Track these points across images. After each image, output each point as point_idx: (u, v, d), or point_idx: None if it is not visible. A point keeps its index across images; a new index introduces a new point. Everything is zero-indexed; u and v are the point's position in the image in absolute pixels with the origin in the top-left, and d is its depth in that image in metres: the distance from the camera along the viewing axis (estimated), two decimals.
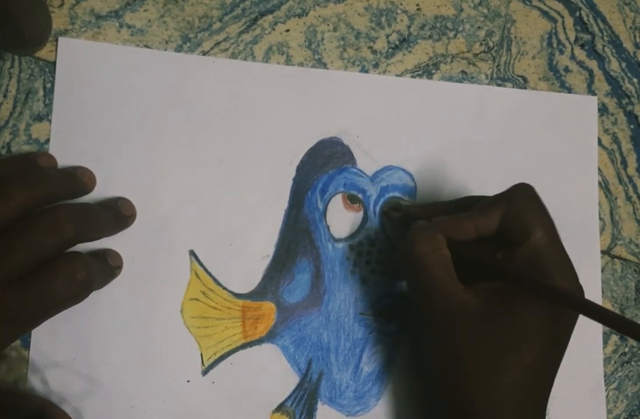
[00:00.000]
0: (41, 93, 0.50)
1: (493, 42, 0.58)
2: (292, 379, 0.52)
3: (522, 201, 0.47)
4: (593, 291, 0.57)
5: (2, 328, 0.43)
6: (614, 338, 0.58)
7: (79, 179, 0.48)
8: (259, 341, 0.51)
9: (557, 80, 0.59)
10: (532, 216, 0.47)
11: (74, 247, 0.45)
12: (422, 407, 0.53)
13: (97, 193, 0.49)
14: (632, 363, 0.58)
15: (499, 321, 0.45)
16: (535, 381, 0.45)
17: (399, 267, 0.49)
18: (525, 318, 0.45)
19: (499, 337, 0.44)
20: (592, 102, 0.60)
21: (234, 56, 0.54)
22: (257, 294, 0.52)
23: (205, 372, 0.50)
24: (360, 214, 0.54)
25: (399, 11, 0.57)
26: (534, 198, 0.48)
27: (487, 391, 0.44)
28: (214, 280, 0.51)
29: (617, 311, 0.58)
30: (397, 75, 0.56)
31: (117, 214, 0.49)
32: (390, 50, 0.57)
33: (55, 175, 0.47)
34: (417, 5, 0.57)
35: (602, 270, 0.58)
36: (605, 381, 0.57)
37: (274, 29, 0.55)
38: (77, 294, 0.45)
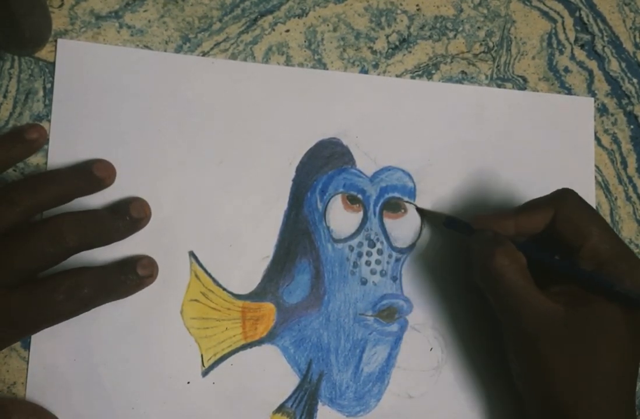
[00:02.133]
0: (41, 93, 0.50)
1: (493, 43, 0.58)
2: (292, 380, 0.52)
3: (571, 205, 0.48)
4: None
5: (0, 329, 0.43)
6: None
7: (94, 175, 0.48)
8: (259, 342, 0.51)
9: (557, 80, 0.59)
10: (585, 218, 0.47)
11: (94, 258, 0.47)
12: None
13: (98, 194, 0.49)
14: None
15: (582, 324, 0.46)
16: (624, 378, 0.46)
17: (478, 280, 0.49)
18: (606, 318, 0.46)
19: (586, 341, 0.45)
20: (589, 103, 0.60)
21: (233, 56, 0.54)
22: (257, 295, 0.52)
23: (205, 373, 0.50)
24: (360, 215, 0.54)
25: (398, 11, 0.57)
26: (581, 202, 0.49)
27: (582, 393, 0.45)
28: (214, 281, 0.51)
29: None
30: (397, 76, 0.56)
31: (129, 217, 0.48)
32: (390, 50, 0.57)
33: (66, 175, 0.47)
34: (417, 5, 0.57)
35: None
36: None
37: (273, 30, 0.55)
38: (77, 309, 0.46)
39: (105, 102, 0.51)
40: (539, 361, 0.46)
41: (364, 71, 0.56)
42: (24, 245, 0.44)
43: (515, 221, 0.48)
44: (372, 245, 0.54)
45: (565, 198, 0.49)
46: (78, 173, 0.48)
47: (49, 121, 0.50)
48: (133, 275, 0.48)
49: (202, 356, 0.50)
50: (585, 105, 0.60)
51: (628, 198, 0.59)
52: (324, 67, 0.55)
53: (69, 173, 0.48)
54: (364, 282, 0.53)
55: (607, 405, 0.45)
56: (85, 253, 0.47)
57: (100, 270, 0.47)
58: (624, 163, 0.60)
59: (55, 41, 0.51)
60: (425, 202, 0.55)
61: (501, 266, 0.46)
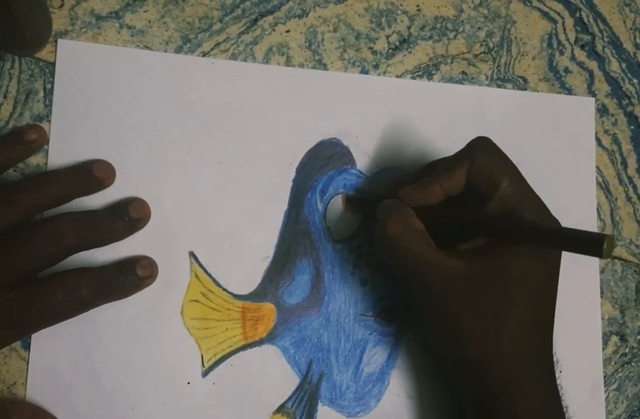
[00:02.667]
0: (41, 94, 0.50)
1: (493, 43, 0.58)
2: (292, 381, 0.52)
3: (484, 155, 0.47)
4: (592, 292, 0.57)
5: None
6: (614, 338, 0.58)
7: (93, 175, 0.48)
8: (259, 342, 0.51)
9: (557, 81, 0.59)
10: (496, 167, 0.47)
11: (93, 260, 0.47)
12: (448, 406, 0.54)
13: (98, 194, 0.49)
14: (632, 363, 0.58)
15: (488, 277, 0.45)
16: (537, 327, 0.46)
17: (378, 255, 0.49)
18: (512, 268, 0.45)
19: (491, 293, 0.45)
20: (590, 103, 0.60)
21: (234, 57, 0.54)
22: (257, 295, 0.52)
23: (205, 373, 0.50)
24: (360, 215, 0.54)
25: (399, 12, 0.57)
26: (494, 150, 0.48)
27: (494, 349, 0.45)
28: (214, 281, 0.51)
29: (618, 313, 0.58)
30: (397, 76, 0.56)
31: (128, 218, 0.48)
32: (390, 50, 0.57)
33: (65, 175, 0.47)
34: (417, 6, 0.57)
35: (602, 271, 0.58)
36: (605, 382, 0.57)
37: (274, 30, 0.55)
38: (76, 310, 0.46)
39: (106, 102, 0.51)
40: (448, 320, 0.46)
41: (364, 71, 0.56)
42: (24, 245, 0.44)
43: (439, 184, 0.47)
44: (372, 245, 0.54)
45: (478, 147, 0.48)
46: (78, 174, 0.48)
47: (49, 121, 0.50)
48: (133, 276, 0.48)
49: (202, 356, 0.50)
50: (586, 106, 0.60)
51: (628, 199, 0.59)
52: (324, 67, 0.55)
53: (68, 173, 0.48)
54: (364, 283, 0.53)
55: (520, 356, 0.45)
56: (85, 253, 0.47)
57: (99, 270, 0.47)
58: (624, 164, 0.60)
59: (56, 41, 0.51)
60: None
61: (393, 234, 0.46)
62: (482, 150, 0.47)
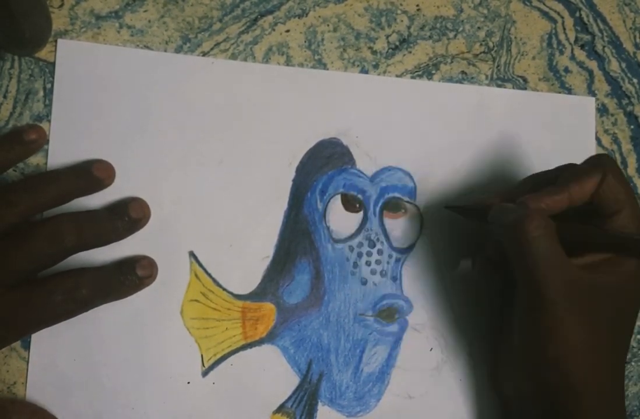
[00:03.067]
0: (41, 93, 0.50)
1: (493, 43, 0.58)
2: (292, 380, 0.52)
3: (615, 171, 0.47)
4: None
5: None
6: None
7: (93, 175, 0.48)
8: (259, 342, 0.51)
9: (557, 80, 0.59)
10: (624, 191, 0.47)
11: (91, 260, 0.47)
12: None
13: (98, 194, 0.49)
14: (632, 363, 0.58)
15: (603, 296, 0.46)
16: (626, 347, 0.48)
17: (506, 247, 0.47)
18: (632, 285, 0.46)
19: (603, 312, 0.46)
20: (590, 102, 0.60)
21: (234, 57, 0.54)
22: (257, 295, 0.52)
23: (205, 373, 0.50)
24: (360, 215, 0.54)
25: (398, 12, 0.57)
26: (622, 173, 0.48)
27: (587, 366, 0.45)
28: (214, 281, 0.51)
29: None
30: (397, 76, 0.56)
31: (127, 217, 0.48)
32: (390, 50, 0.57)
33: (65, 175, 0.47)
34: (417, 5, 0.57)
35: None
36: None
37: (274, 30, 0.55)
38: (75, 310, 0.46)
39: (105, 102, 0.51)
40: (551, 328, 0.45)
41: (364, 71, 0.56)
42: (23, 245, 0.44)
43: (569, 193, 0.46)
44: (372, 245, 0.54)
45: (609, 162, 0.48)
46: (77, 174, 0.48)
47: (49, 121, 0.50)
48: (132, 276, 0.48)
49: (202, 356, 0.50)
50: (586, 105, 0.60)
51: None
52: (324, 67, 0.55)
53: (68, 173, 0.48)
54: (364, 282, 0.53)
55: (607, 378, 0.45)
56: (85, 253, 0.47)
57: (99, 270, 0.47)
58: (624, 164, 0.60)
59: (55, 41, 0.51)
60: (426, 201, 0.55)
61: (535, 229, 0.45)
62: (612, 166, 0.47)
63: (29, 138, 0.48)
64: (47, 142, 0.50)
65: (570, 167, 0.49)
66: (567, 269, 0.45)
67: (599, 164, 0.47)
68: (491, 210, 0.48)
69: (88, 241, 0.46)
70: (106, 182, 0.49)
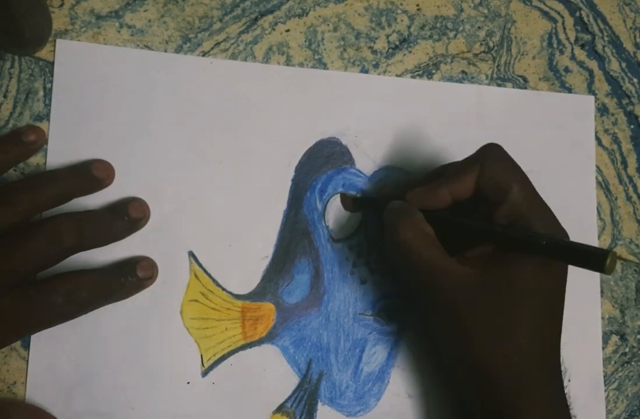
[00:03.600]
0: (41, 93, 0.50)
1: (493, 42, 0.58)
2: (292, 380, 0.52)
3: (494, 161, 0.47)
4: (591, 291, 0.57)
5: None
6: (614, 338, 0.58)
7: (93, 175, 0.48)
8: (259, 342, 0.51)
9: (557, 80, 0.59)
10: (506, 174, 0.47)
11: (91, 262, 0.48)
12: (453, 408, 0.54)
13: (98, 194, 0.49)
14: (633, 363, 0.58)
15: (497, 285, 0.45)
16: (544, 335, 0.46)
17: (387, 257, 0.49)
18: (520, 277, 0.45)
19: (500, 300, 0.45)
20: (590, 101, 0.60)
21: (234, 56, 0.54)
22: (256, 295, 0.52)
23: (205, 373, 0.50)
24: (359, 214, 0.54)
25: (399, 11, 0.57)
26: (504, 157, 0.48)
27: (503, 356, 0.45)
28: (214, 281, 0.51)
29: (618, 312, 0.58)
30: (397, 76, 0.56)
31: (127, 217, 0.49)
32: (390, 50, 0.57)
33: (65, 175, 0.47)
34: (417, 5, 0.57)
35: None
36: (605, 381, 0.57)
37: (274, 29, 0.55)
38: (75, 312, 0.46)
39: (105, 102, 0.51)
40: (458, 327, 0.46)
41: (364, 71, 0.56)
42: (23, 246, 0.44)
43: (447, 189, 0.47)
44: (371, 244, 0.54)
45: (488, 152, 0.48)
46: (77, 173, 0.48)
47: (49, 121, 0.50)
48: (133, 277, 0.48)
49: (201, 356, 0.50)
50: (585, 104, 0.60)
51: (628, 198, 0.59)
52: (324, 67, 0.55)
53: (67, 173, 0.48)
54: (363, 281, 0.53)
55: (528, 363, 0.45)
56: (85, 254, 0.47)
57: (99, 272, 0.47)
58: (624, 163, 0.60)
59: (55, 41, 0.51)
60: None
61: (405, 239, 0.46)
62: (492, 156, 0.47)
63: (28, 139, 0.48)
64: (47, 142, 0.50)
65: (458, 161, 0.49)
66: (449, 267, 0.45)
67: (477, 156, 0.48)
68: (385, 208, 0.50)
69: (88, 240, 0.46)
70: (106, 182, 0.49)
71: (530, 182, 0.48)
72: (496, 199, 0.46)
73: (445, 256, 0.46)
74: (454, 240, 0.48)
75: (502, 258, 0.46)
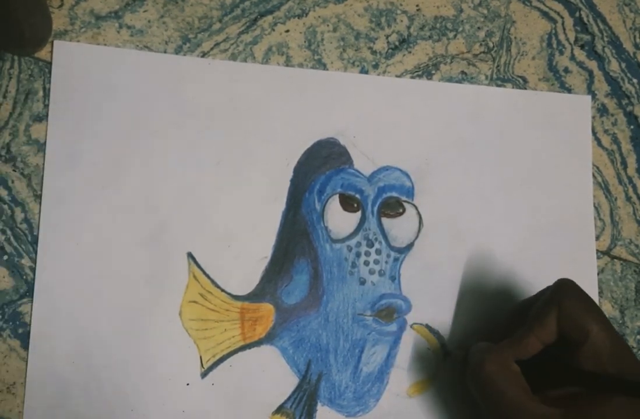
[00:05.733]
0: (41, 93, 0.51)
1: (493, 43, 0.58)
2: (291, 381, 0.52)
3: (570, 300, 0.47)
4: (590, 291, 0.57)
5: None
6: None
7: None
8: (258, 342, 0.51)
9: (557, 80, 0.59)
10: (584, 314, 0.46)
11: None
12: None
13: (101, 198, 0.49)
14: None
15: None
16: None
17: (470, 390, 0.48)
18: (610, 417, 0.44)
19: None
20: (587, 101, 0.60)
21: (233, 57, 0.54)
22: (255, 296, 0.52)
23: (204, 374, 0.50)
24: (358, 214, 0.54)
25: (398, 12, 0.57)
26: (580, 294, 0.48)
27: None
28: (212, 282, 0.51)
29: (617, 312, 0.58)
30: (396, 76, 0.56)
31: None
32: (390, 50, 0.57)
33: None
34: (417, 5, 0.57)
35: (602, 271, 0.58)
36: None
37: (273, 30, 0.55)
38: None
39: (103, 103, 0.51)
40: None
41: (364, 71, 0.56)
42: None
43: (535, 336, 0.47)
44: (370, 244, 0.54)
45: (564, 291, 0.47)
46: None
47: (48, 121, 0.50)
48: None
49: (201, 357, 0.50)
50: (582, 103, 0.60)
51: (628, 199, 0.59)
52: (324, 67, 0.55)
53: None
54: (362, 282, 0.53)
55: None
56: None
57: None
58: (624, 164, 0.60)
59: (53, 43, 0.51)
60: (424, 201, 0.55)
61: (490, 374, 0.46)
62: (567, 295, 0.47)
63: None
64: (46, 142, 0.50)
65: (538, 302, 0.49)
66: (533, 407, 0.45)
67: (552, 296, 0.47)
68: (470, 349, 0.49)
69: None
70: None
71: (608, 321, 0.47)
72: (578, 339, 0.46)
73: (529, 394, 0.45)
74: (540, 379, 0.47)
75: (589, 398, 0.45)
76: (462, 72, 0.58)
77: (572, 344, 0.46)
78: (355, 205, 0.54)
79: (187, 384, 0.50)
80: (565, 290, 0.48)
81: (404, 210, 0.55)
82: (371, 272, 0.53)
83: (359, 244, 0.54)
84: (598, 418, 0.44)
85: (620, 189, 0.59)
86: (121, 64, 0.52)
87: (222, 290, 0.51)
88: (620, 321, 0.58)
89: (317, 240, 0.53)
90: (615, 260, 0.58)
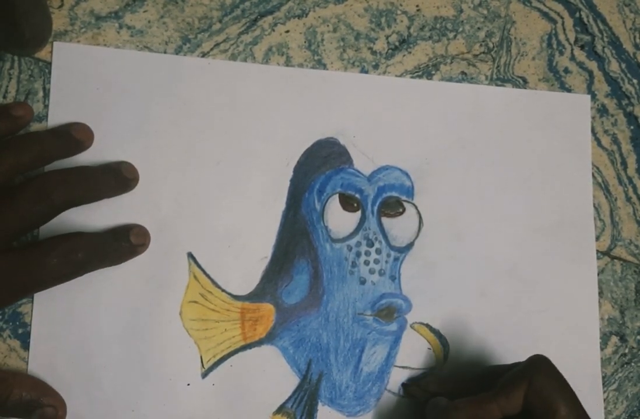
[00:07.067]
0: (41, 94, 0.51)
1: (493, 43, 0.58)
2: (292, 381, 0.52)
3: (542, 376, 0.46)
4: (589, 291, 0.57)
5: None
6: (614, 339, 0.58)
7: (73, 137, 0.49)
8: (259, 342, 0.51)
9: (557, 81, 0.59)
10: (554, 392, 0.46)
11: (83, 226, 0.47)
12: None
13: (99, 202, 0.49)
14: (632, 364, 0.58)
15: None
16: None
17: None
18: None
19: None
20: (586, 100, 0.60)
21: (233, 57, 0.54)
22: (255, 295, 0.52)
23: (205, 374, 0.50)
24: (358, 214, 0.54)
25: (398, 12, 0.57)
26: (552, 372, 0.47)
27: None
28: (213, 282, 0.51)
29: (617, 313, 0.58)
30: (396, 76, 0.56)
31: (119, 176, 0.49)
32: (390, 51, 0.57)
33: (45, 137, 0.47)
34: (417, 6, 0.57)
35: (602, 271, 0.58)
36: (605, 382, 0.57)
37: (273, 30, 0.55)
38: (70, 274, 0.45)
39: (102, 104, 0.51)
40: None
41: (364, 72, 0.56)
42: (11, 204, 0.43)
43: (496, 404, 0.46)
44: (370, 244, 0.54)
45: (536, 367, 0.47)
46: (58, 135, 0.48)
47: (47, 122, 0.50)
48: (126, 242, 0.48)
49: (201, 357, 0.50)
50: (582, 103, 0.60)
51: (628, 199, 0.59)
52: (324, 67, 0.55)
53: (48, 134, 0.48)
54: (362, 282, 0.53)
55: None
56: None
57: (95, 235, 0.47)
58: (624, 164, 0.60)
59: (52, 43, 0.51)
60: (424, 200, 0.55)
61: None
62: (540, 372, 0.46)
63: (16, 113, 0.48)
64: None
65: (509, 373, 0.48)
66: None
67: (525, 370, 0.47)
68: (428, 403, 0.49)
69: (78, 195, 0.46)
70: (85, 144, 0.49)
71: (579, 402, 0.47)
72: (544, 417, 0.45)
73: None
74: None
75: None
76: (462, 73, 0.58)
77: (539, 417, 0.46)
78: (355, 205, 0.54)
79: (188, 384, 0.50)
80: (538, 365, 0.47)
81: (404, 210, 0.55)
82: (371, 272, 0.54)
83: (359, 244, 0.54)
84: None
85: (620, 189, 0.59)
86: (121, 64, 0.52)
87: (223, 290, 0.51)
88: (621, 322, 0.58)
89: (317, 240, 0.53)
90: (615, 261, 0.58)
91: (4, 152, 0.45)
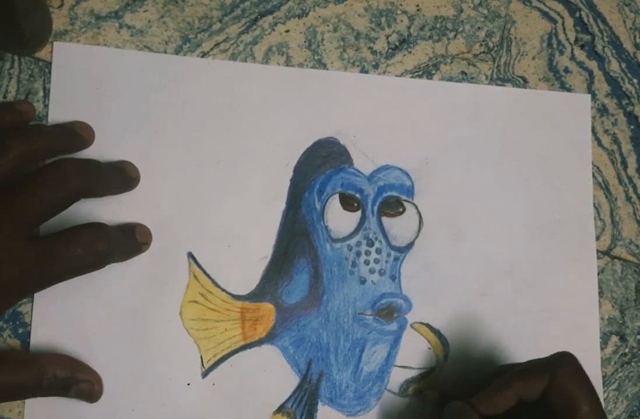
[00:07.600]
0: (41, 93, 0.51)
1: (493, 43, 0.58)
2: (292, 380, 0.52)
3: (568, 374, 0.46)
4: (589, 291, 0.57)
5: (17, 281, 0.43)
6: (614, 338, 0.58)
7: (77, 133, 0.49)
8: (259, 342, 0.51)
9: (557, 80, 0.59)
10: (577, 390, 0.45)
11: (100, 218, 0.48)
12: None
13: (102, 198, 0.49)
14: (632, 363, 0.58)
15: None
16: None
17: None
18: None
19: None
20: (586, 100, 0.60)
21: (233, 57, 0.54)
22: (255, 295, 0.52)
23: (205, 374, 0.50)
24: (358, 214, 0.54)
25: (398, 12, 0.57)
26: (578, 370, 0.46)
27: None
28: (213, 281, 0.51)
29: (617, 312, 0.58)
30: (397, 76, 0.56)
31: (123, 174, 0.49)
32: (390, 50, 0.57)
33: (52, 129, 0.48)
34: (417, 5, 0.57)
35: (602, 271, 0.58)
36: (605, 382, 0.57)
37: (273, 30, 0.55)
38: (94, 264, 0.45)
39: (102, 104, 0.51)
40: None
41: (364, 71, 0.56)
42: (34, 191, 0.43)
43: (513, 391, 0.46)
44: (370, 244, 0.54)
45: (562, 364, 0.46)
46: (63, 129, 0.49)
47: (47, 122, 0.50)
48: (133, 240, 0.49)
49: (201, 357, 0.50)
50: (582, 102, 0.60)
51: (628, 199, 0.59)
52: (324, 67, 0.55)
53: (54, 128, 0.48)
54: (362, 281, 0.53)
55: None
56: None
57: (112, 228, 0.47)
58: (624, 164, 0.60)
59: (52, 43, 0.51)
60: (424, 200, 0.55)
61: None
62: (566, 368, 0.46)
63: (20, 108, 0.48)
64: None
65: (531, 363, 0.48)
66: None
67: (550, 365, 0.46)
68: (445, 408, 0.48)
69: (90, 185, 0.46)
70: (89, 141, 0.50)
71: (599, 402, 0.46)
72: (563, 414, 0.45)
73: None
74: None
75: None
76: (462, 72, 0.58)
77: (556, 414, 0.45)
78: (355, 205, 0.54)
79: (188, 384, 0.50)
80: (565, 361, 0.47)
81: (404, 209, 0.55)
82: (371, 271, 0.54)
83: (359, 243, 0.54)
84: None
85: (621, 189, 0.59)
86: (121, 64, 0.52)
87: (223, 290, 0.51)
88: (620, 322, 0.58)
89: (317, 240, 0.53)
90: (616, 260, 0.58)
91: (15, 139, 0.44)
